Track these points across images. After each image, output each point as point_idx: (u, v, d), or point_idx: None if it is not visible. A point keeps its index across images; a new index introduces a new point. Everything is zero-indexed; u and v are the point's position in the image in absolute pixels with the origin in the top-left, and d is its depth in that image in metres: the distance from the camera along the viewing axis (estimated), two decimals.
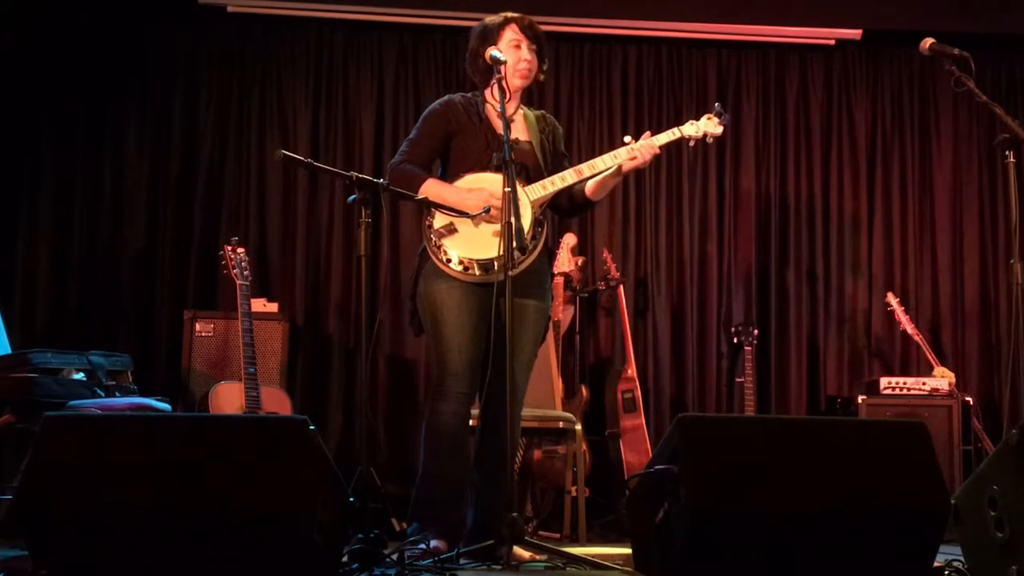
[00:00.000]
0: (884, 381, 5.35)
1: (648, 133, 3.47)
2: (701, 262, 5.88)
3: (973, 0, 5.82)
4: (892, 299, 5.59)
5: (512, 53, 3.42)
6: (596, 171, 3.41)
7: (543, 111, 3.69)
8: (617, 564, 3.03)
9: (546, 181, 3.39)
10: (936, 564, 2.68)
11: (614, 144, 3.46)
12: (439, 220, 3.34)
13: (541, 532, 4.85)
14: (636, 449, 5.15)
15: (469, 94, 3.56)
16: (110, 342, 5.08)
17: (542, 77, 3.56)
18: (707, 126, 3.53)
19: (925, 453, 2.69)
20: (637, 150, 3.39)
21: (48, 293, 5.45)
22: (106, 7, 5.60)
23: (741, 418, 4.70)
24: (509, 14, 3.49)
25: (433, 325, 3.37)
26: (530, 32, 3.46)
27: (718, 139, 3.61)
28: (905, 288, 5.89)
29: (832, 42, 5.99)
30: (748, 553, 2.53)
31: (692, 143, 3.54)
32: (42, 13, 5.54)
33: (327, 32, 5.80)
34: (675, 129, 3.52)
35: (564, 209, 3.64)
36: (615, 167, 3.40)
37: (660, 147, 3.45)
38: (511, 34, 3.45)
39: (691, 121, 3.56)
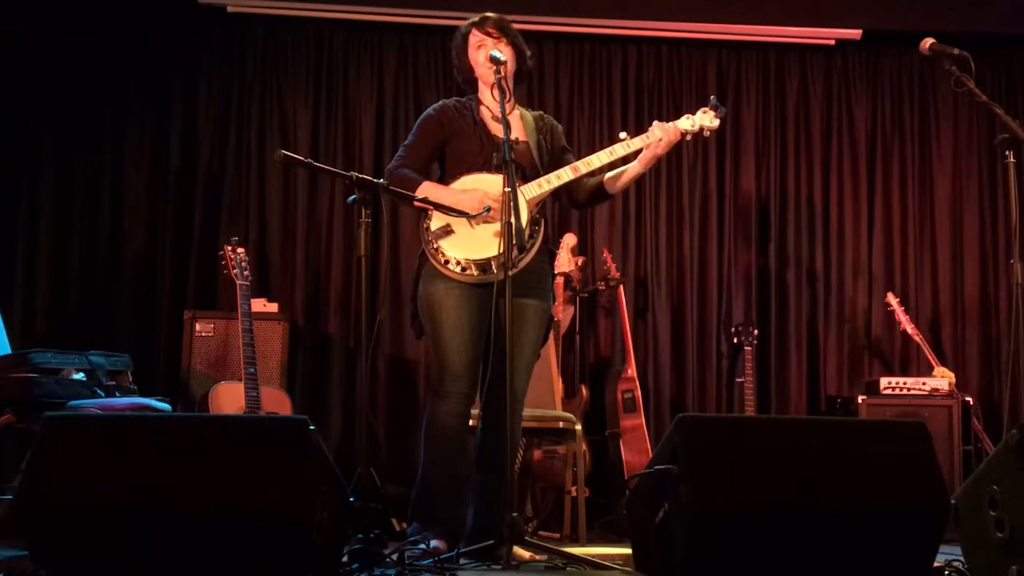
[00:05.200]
0: (884, 381, 5.35)
1: (657, 122, 3.47)
2: (701, 262, 5.88)
3: (973, 0, 5.82)
4: (892, 299, 5.59)
5: (475, 53, 3.47)
6: (592, 168, 3.42)
7: (541, 111, 3.70)
8: (617, 564, 3.03)
9: (541, 180, 3.39)
10: (936, 564, 2.68)
11: (614, 144, 3.45)
12: (435, 222, 3.35)
13: (541, 532, 4.85)
14: (636, 449, 5.15)
15: (463, 98, 3.58)
16: (110, 342, 5.08)
17: (528, 65, 3.54)
18: (703, 120, 3.51)
19: (925, 453, 2.69)
20: (652, 134, 3.40)
21: (48, 293, 5.45)
22: (106, 7, 5.60)
23: (741, 418, 4.70)
24: (472, 18, 3.52)
25: (432, 326, 3.37)
26: (494, 30, 3.46)
27: (718, 138, 3.60)
28: (905, 288, 5.90)
29: (832, 42, 6.00)
30: (748, 553, 2.53)
31: (688, 137, 3.53)
32: (41, 13, 5.54)
33: (327, 32, 5.81)
34: (672, 123, 3.49)
35: (581, 202, 3.64)
36: (633, 158, 3.41)
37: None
38: (474, 38, 3.49)
39: (687, 116, 3.54)
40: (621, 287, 5.44)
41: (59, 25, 5.56)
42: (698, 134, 3.52)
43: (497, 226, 3.22)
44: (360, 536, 2.82)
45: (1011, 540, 2.53)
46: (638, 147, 3.42)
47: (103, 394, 4.03)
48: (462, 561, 3.04)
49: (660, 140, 3.41)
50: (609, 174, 3.49)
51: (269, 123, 5.71)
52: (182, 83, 5.68)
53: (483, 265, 3.28)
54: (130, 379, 4.38)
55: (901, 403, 5.26)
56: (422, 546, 3.17)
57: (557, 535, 4.78)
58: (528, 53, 3.55)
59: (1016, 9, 5.78)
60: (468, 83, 3.58)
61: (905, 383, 5.34)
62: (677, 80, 5.99)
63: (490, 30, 3.46)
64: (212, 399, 4.59)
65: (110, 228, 5.56)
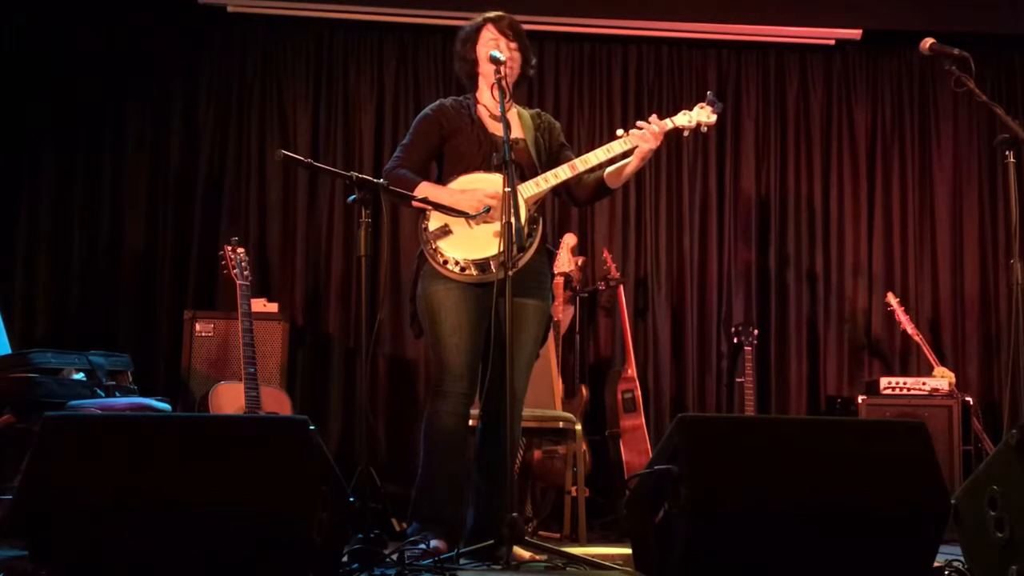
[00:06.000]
0: (884, 381, 5.35)
1: (654, 116, 3.46)
2: (701, 262, 5.88)
3: (973, 0, 5.82)
4: (892, 299, 5.59)
5: (484, 49, 3.45)
6: (589, 166, 3.41)
7: (538, 109, 3.69)
8: (617, 564, 3.03)
9: (539, 178, 3.39)
10: (936, 564, 2.68)
11: (611, 141, 3.45)
12: (434, 223, 3.35)
13: (541, 532, 4.85)
14: (636, 449, 5.15)
15: (460, 97, 3.57)
16: (110, 342, 5.08)
17: (531, 72, 3.57)
18: (700, 115, 3.50)
19: (925, 453, 2.69)
20: (647, 128, 3.38)
21: (48, 293, 5.45)
22: (106, 7, 5.60)
23: (741, 418, 4.70)
24: (488, 14, 3.51)
25: (432, 326, 3.37)
26: (509, 31, 3.46)
27: (718, 138, 3.59)
28: (905, 288, 5.90)
29: (832, 42, 6.00)
30: (748, 553, 2.53)
31: (686, 134, 3.52)
32: (42, 14, 5.54)
33: (327, 32, 5.81)
34: (667, 120, 3.48)
35: (582, 199, 3.64)
36: (631, 154, 3.40)
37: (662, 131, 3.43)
38: (488, 34, 3.47)
39: (684, 111, 3.53)
40: (621, 287, 5.44)
41: (59, 25, 5.57)
42: (695, 130, 3.52)
43: (496, 226, 3.22)
44: (360, 536, 2.81)
45: (1011, 540, 2.53)
46: (635, 143, 3.41)
47: (103, 394, 4.03)
48: (462, 561, 3.04)
49: (656, 134, 3.39)
50: (609, 169, 3.48)
51: (269, 123, 5.71)
52: (182, 83, 5.68)
53: (482, 265, 3.28)
54: (130, 379, 4.38)
55: (901, 403, 5.26)
56: (422, 546, 3.16)
57: (557, 535, 4.78)
58: (531, 58, 3.55)
59: (1016, 9, 5.78)
60: (470, 78, 3.55)
61: (905, 383, 5.34)
62: (677, 80, 5.99)
63: (506, 30, 3.46)
64: (212, 399, 4.59)
65: (110, 228, 5.56)
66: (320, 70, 5.79)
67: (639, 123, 3.41)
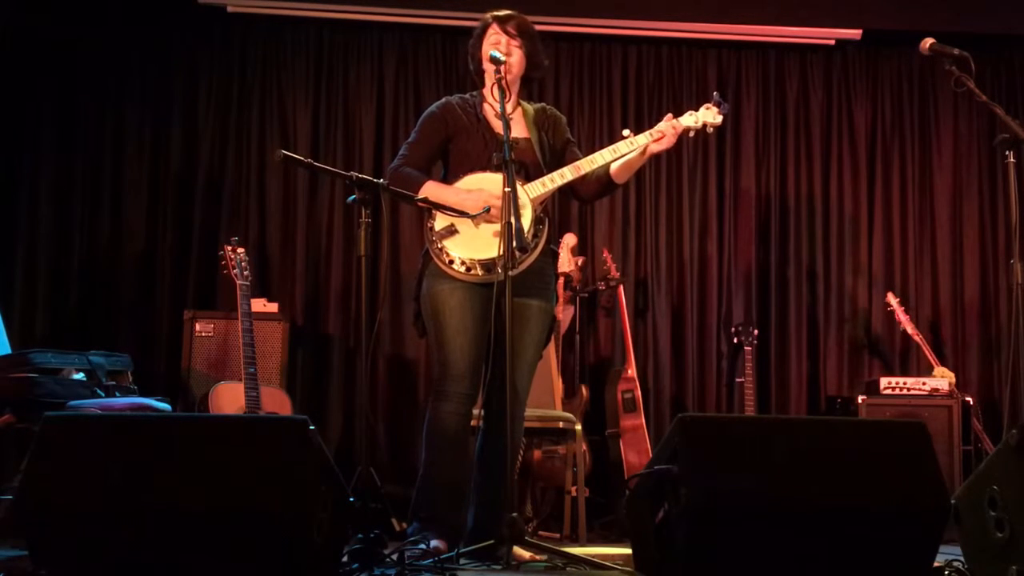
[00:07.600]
0: (884, 381, 5.35)
1: (670, 115, 3.47)
2: (701, 262, 5.88)
3: (973, 0, 5.82)
4: (892, 299, 5.59)
5: (488, 48, 3.44)
6: (595, 166, 3.41)
7: (543, 104, 3.67)
8: (617, 564, 3.03)
9: (545, 179, 3.38)
10: (936, 564, 2.68)
11: (616, 142, 3.45)
12: (440, 222, 3.34)
13: (541, 532, 4.85)
14: (636, 449, 5.15)
15: (467, 95, 3.56)
16: (110, 342, 5.08)
17: (536, 73, 3.56)
18: (706, 116, 3.50)
19: (925, 453, 2.69)
20: (662, 130, 3.39)
21: (48, 293, 5.45)
22: (106, 7, 5.60)
23: (741, 418, 4.70)
24: (494, 13, 3.50)
25: (435, 326, 3.36)
26: (512, 30, 3.45)
27: (718, 138, 3.59)
28: (905, 288, 5.90)
29: (832, 42, 6.00)
30: (748, 553, 2.53)
31: (692, 134, 3.52)
32: (42, 13, 5.54)
33: (327, 32, 5.81)
34: (674, 120, 3.48)
35: (586, 196, 3.64)
36: (640, 149, 3.40)
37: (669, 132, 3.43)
38: (491, 33, 3.47)
39: (690, 112, 3.52)
40: (621, 287, 5.44)
41: (59, 25, 5.56)
42: (701, 130, 3.52)
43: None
44: (360, 536, 2.81)
45: (1011, 540, 2.53)
46: (643, 143, 3.40)
47: (103, 394, 4.03)
48: (462, 561, 3.04)
49: (663, 138, 3.40)
50: (616, 165, 3.47)
51: (269, 123, 5.71)
52: (182, 83, 5.69)
53: (487, 265, 3.27)
54: (130, 379, 4.37)
55: (901, 403, 5.26)
56: (422, 546, 3.16)
57: (557, 535, 4.78)
58: (542, 62, 3.55)
59: (1016, 9, 5.78)
60: (477, 75, 3.53)
61: (905, 383, 5.34)
62: (677, 80, 5.99)
63: (510, 29, 3.45)
64: (212, 399, 4.60)
65: (110, 228, 5.56)
66: (320, 70, 5.79)
67: (658, 127, 3.41)
